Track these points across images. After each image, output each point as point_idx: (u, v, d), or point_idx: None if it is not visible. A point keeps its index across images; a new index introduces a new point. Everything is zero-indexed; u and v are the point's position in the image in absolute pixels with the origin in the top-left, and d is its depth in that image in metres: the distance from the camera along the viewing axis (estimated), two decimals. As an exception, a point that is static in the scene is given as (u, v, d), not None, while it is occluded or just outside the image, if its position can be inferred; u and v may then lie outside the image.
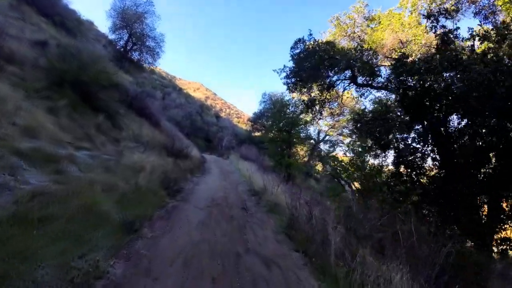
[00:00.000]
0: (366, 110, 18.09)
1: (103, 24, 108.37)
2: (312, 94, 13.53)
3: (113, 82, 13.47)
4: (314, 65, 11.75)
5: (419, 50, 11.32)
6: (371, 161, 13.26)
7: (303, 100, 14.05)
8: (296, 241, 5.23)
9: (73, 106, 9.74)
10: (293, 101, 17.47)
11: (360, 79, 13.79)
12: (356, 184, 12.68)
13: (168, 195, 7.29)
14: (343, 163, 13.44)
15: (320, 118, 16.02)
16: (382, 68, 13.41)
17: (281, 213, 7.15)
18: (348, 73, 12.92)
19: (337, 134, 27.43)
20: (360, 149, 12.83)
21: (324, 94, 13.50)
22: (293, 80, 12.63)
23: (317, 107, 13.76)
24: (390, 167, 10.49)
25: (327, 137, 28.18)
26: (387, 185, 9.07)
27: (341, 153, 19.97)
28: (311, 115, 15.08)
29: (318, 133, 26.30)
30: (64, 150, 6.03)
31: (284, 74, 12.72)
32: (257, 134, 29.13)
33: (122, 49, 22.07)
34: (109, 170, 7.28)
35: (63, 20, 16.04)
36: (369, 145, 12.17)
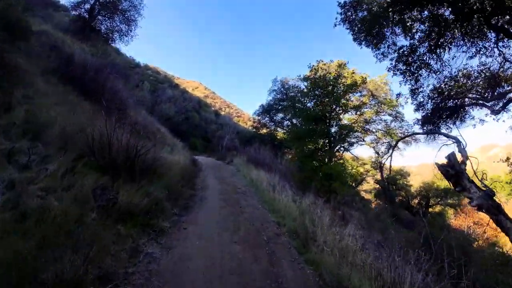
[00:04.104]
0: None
1: None
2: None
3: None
4: None
5: None
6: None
7: (399, 48, 6.46)
8: None
9: None
10: (332, 71, 9.85)
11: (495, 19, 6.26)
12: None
13: None
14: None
15: (417, 91, 8.25)
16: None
17: None
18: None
19: (353, 130, 19.80)
20: None
21: (435, 38, 5.92)
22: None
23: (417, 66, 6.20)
24: None
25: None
26: None
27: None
28: (404, 83, 7.43)
29: (339, 129, 18.66)
30: None
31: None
32: (264, 131, 21.30)
33: (86, 15, 14.13)
34: None
35: None
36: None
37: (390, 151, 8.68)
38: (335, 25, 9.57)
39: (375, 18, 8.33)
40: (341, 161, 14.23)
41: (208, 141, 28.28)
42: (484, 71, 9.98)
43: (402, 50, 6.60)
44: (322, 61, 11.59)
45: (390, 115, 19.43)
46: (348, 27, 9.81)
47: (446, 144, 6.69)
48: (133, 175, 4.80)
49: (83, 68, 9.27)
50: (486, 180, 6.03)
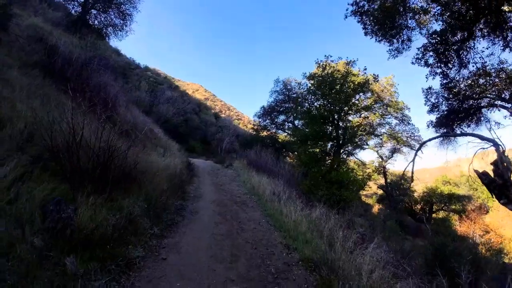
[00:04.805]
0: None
1: None
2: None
3: None
4: None
5: None
6: None
7: (432, 34, 5.42)
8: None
9: None
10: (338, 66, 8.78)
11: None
12: None
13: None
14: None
15: (449, 85, 7.16)
16: None
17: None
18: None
19: (366, 133, 18.81)
20: None
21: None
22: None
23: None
24: None
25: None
26: None
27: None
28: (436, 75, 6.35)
29: (345, 131, 17.64)
30: None
31: None
32: (264, 133, 20.17)
33: (79, 9, 13.16)
34: None
35: None
36: None
37: (413, 156, 7.52)
38: (346, 17, 8.61)
39: (390, 7, 7.36)
40: (346, 165, 13.13)
41: (207, 143, 27.22)
42: (504, 69, 8.99)
43: (434, 36, 5.56)
44: (330, 57, 10.48)
45: (396, 118, 18.44)
46: (359, 19, 8.85)
47: (483, 148, 5.65)
48: (103, 184, 3.71)
49: (67, 60, 8.26)
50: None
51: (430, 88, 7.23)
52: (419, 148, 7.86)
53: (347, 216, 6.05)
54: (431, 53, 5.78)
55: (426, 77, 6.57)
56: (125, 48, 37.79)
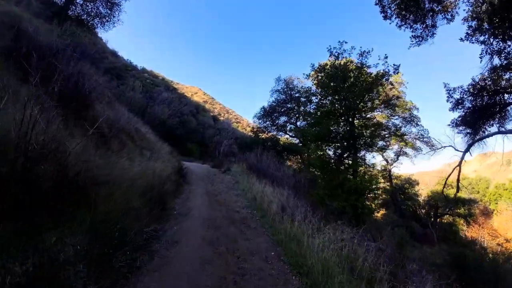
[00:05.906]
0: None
1: None
2: None
3: None
4: None
5: None
6: None
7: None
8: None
9: None
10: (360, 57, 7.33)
11: None
12: None
13: None
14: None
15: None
16: None
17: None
18: None
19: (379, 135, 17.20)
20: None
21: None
22: None
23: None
24: None
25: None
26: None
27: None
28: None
29: (350, 133, 16.16)
30: None
31: None
32: (264, 135, 18.59)
33: (63, -1, 11.67)
34: None
35: None
36: None
37: (459, 159, 6.07)
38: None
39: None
40: (363, 170, 11.56)
41: (205, 146, 25.66)
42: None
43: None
44: (346, 43, 8.43)
45: (404, 118, 17.04)
46: (377, 1, 7.48)
47: None
48: (19, 202, 2.19)
49: (34, 45, 6.77)
50: None
51: (495, 67, 5.74)
52: (467, 149, 6.41)
53: (383, 240, 4.52)
54: (487, 26, 4.31)
55: (480, 57, 5.11)
56: (124, 50, 36.38)
